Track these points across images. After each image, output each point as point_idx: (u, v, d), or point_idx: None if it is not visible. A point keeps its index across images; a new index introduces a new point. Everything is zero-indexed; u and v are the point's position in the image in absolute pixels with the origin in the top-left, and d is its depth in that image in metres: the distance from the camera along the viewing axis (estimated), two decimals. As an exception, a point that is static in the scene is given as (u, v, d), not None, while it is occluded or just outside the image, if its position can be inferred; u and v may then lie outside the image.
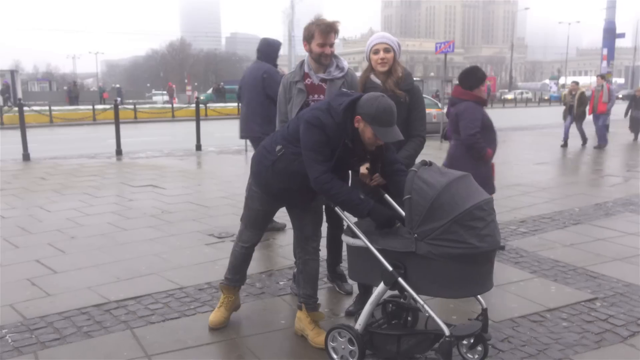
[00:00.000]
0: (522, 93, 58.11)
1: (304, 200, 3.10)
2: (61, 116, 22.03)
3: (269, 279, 4.17)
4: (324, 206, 3.33)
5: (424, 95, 3.88)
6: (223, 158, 11.51)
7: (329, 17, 3.49)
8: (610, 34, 18.58)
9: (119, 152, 11.63)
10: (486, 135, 4.47)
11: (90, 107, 24.28)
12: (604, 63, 18.61)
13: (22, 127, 11.09)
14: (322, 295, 3.65)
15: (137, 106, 26.36)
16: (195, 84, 69.74)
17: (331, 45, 3.39)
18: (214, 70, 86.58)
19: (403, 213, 2.76)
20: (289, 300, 3.77)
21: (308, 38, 3.41)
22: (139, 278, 4.16)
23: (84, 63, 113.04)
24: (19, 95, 27.97)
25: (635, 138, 15.48)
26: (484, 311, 2.83)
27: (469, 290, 2.66)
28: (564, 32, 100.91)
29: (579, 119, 13.68)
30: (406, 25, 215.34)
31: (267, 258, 4.75)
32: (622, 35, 19.79)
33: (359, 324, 2.79)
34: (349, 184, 3.35)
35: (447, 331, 2.54)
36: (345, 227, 2.91)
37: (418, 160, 2.90)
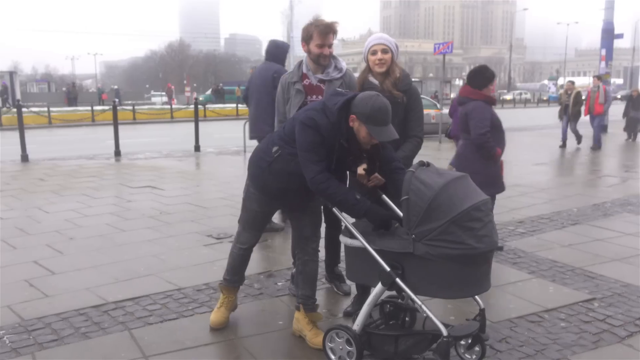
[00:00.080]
0: (520, 94, 58.20)
1: (302, 200, 3.10)
2: (60, 117, 22.04)
3: (267, 280, 4.17)
4: (322, 207, 3.33)
5: (422, 96, 3.89)
6: (222, 159, 11.51)
7: (327, 18, 3.50)
8: (609, 34, 18.56)
9: (117, 153, 11.63)
10: (495, 134, 4.49)
11: (89, 108, 24.30)
12: (603, 64, 18.60)
13: (21, 128, 11.09)
14: (320, 296, 3.65)
15: (135, 107, 26.38)
16: (194, 84, 69.79)
17: (330, 46, 3.40)
18: (213, 71, 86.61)
19: (401, 214, 2.76)
20: (287, 301, 3.77)
21: (307, 39, 3.41)
22: (137, 279, 4.16)
23: (82, 64, 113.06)
24: (18, 96, 27.95)
25: (630, 138, 15.48)
26: (482, 311, 2.83)
27: (467, 291, 2.66)
28: (562, 33, 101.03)
29: (573, 118, 13.68)
30: (405, 26, 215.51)
31: (265, 259, 4.75)
32: (620, 36, 19.77)
33: (356, 325, 2.80)
34: (347, 185, 3.37)
35: (444, 331, 2.54)
36: (343, 228, 2.91)
37: (416, 160, 2.90)
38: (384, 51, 3.36)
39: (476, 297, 2.78)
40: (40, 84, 56.96)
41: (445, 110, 16.39)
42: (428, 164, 2.72)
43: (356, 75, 3.65)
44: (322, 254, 3.41)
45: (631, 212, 6.40)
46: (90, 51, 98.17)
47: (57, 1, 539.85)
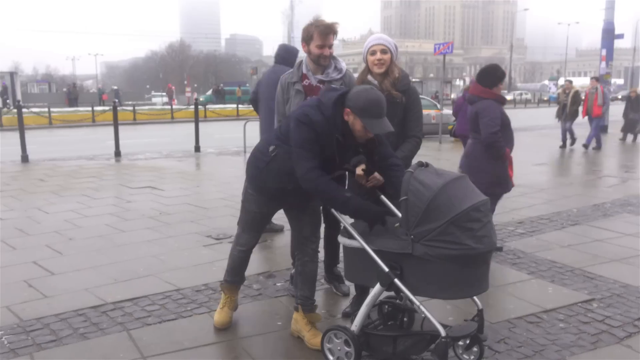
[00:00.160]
0: (521, 94, 58.13)
1: (301, 200, 3.10)
2: (60, 118, 22.07)
3: (266, 280, 4.17)
4: (321, 207, 3.33)
5: (423, 97, 3.89)
6: (222, 159, 11.52)
7: (328, 18, 3.51)
8: (609, 34, 18.53)
9: (117, 153, 11.64)
10: (504, 133, 4.49)
11: (90, 108, 24.33)
12: (603, 64, 18.58)
13: (21, 128, 11.09)
14: (319, 297, 3.65)
15: (136, 108, 26.39)
16: (195, 85, 69.91)
17: (330, 46, 3.40)
18: (214, 71, 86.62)
19: (398, 213, 2.76)
20: (286, 301, 3.77)
21: (307, 39, 3.41)
22: (136, 279, 4.16)
23: (83, 64, 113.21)
24: (19, 96, 27.95)
25: (624, 139, 15.44)
26: (480, 312, 2.83)
27: (465, 292, 2.66)
28: (563, 33, 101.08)
29: (570, 117, 13.65)
30: (406, 26, 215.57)
31: (264, 259, 4.75)
32: (621, 36, 19.73)
33: (355, 325, 2.80)
34: (346, 186, 3.37)
35: (443, 332, 2.54)
36: (341, 228, 2.91)
37: (415, 161, 2.90)
38: (383, 51, 3.37)
39: (475, 297, 2.78)
40: (41, 84, 56.99)
41: (445, 111, 16.42)
42: (427, 165, 2.72)
43: (356, 75, 3.66)
44: (321, 254, 3.41)
45: (631, 213, 6.39)
46: (90, 51, 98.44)
47: (58, 1, 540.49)
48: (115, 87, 47.57)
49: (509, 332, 3.29)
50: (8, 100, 29.77)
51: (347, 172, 3.20)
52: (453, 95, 40.28)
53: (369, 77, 3.46)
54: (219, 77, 77.39)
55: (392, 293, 2.83)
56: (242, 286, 3.58)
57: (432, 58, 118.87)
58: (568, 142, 13.64)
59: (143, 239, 5.27)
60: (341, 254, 3.55)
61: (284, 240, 5.11)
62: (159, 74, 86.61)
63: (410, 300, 2.66)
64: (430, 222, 2.51)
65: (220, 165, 10.70)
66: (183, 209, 6.60)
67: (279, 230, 5.47)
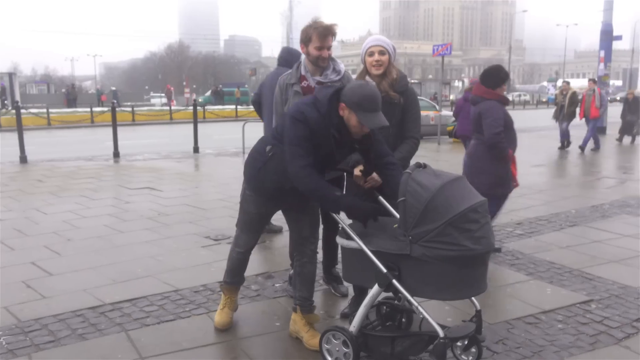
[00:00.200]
0: (520, 95, 58.21)
1: (299, 200, 3.09)
2: (59, 118, 22.05)
3: (265, 281, 4.17)
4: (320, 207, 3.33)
5: (421, 98, 3.90)
6: (220, 160, 11.52)
7: (327, 20, 3.51)
8: (608, 36, 18.55)
9: (116, 154, 11.63)
10: (507, 134, 4.50)
11: (88, 109, 24.32)
12: (602, 65, 18.60)
13: (20, 129, 11.09)
14: (317, 297, 3.65)
15: (135, 108, 26.39)
16: (194, 86, 69.85)
17: (328, 48, 3.40)
18: (213, 72, 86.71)
19: (397, 214, 2.76)
20: (285, 302, 3.77)
21: (305, 41, 3.42)
22: (134, 280, 4.16)
23: (82, 65, 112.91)
24: (17, 97, 27.93)
25: (622, 140, 15.45)
26: (478, 313, 2.83)
27: (463, 293, 2.66)
28: (562, 35, 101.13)
29: (567, 118, 13.64)
30: (404, 27, 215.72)
31: (263, 260, 4.75)
32: (619, 38, 19.76)
33: (353, 326, 2.80)
34: (344, 187, 3.37)
35: (441, 333, 2.54)
36: (340, 229, 2.91)
37: (413, 162, 2.90)
38: (381, 53, 3.37)
39: (473, 298, 2.78)
40: (40, 85, 56.99)
41: (444, 112, 16.44)
42: (425, 166, 2.72)
43: (354, 77, 3.67)
44: (319, 255, 3.42)
45: (629, 214, 6.40)
46: (89, 52, 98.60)
47: (57, 2, 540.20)
48: (114, 88, 47.55)
49: (508, 332, 3.29)
50: (6, 101, 29.76)
51: (345, 173, 3.20)
52: (452, 97, 40.29)
53: (367, 79, 3.47)
54: (218, 78, 77.47)
55: (390, 294, 2.84)
56: (241, 287, 3.58)
57: (431, 59, 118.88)
58: (574, 143, 13.62)
59: (141, 240, 5.27)
60: (339, 255, 3.56)
61: (283, 241, 5.11)
62: (157, 75, 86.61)
63: (409, 301, 2.66)
64: (428, 223, 2.51)
65: (219, 166, 10.70)
66: (181, 209, 6.60)
67: (278, 231, 5.47)
